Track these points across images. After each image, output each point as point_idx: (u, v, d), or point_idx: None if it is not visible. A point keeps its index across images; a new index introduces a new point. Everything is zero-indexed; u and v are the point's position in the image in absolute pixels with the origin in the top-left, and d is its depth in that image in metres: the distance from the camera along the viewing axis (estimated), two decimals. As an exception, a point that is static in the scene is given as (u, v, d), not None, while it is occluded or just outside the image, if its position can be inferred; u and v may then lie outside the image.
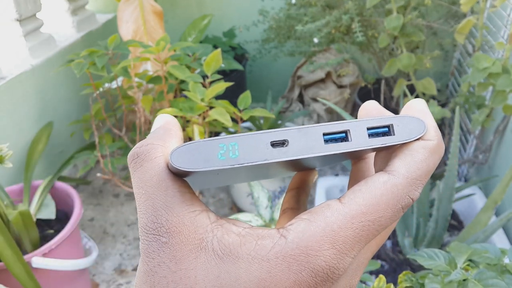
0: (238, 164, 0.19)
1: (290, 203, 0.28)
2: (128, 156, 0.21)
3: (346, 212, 0.19)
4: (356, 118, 0.23)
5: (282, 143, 0.20)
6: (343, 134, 0.20)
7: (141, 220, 0.20)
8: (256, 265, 0.18)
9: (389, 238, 1.14)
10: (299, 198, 0.28)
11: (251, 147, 0.19)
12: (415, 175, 0.20)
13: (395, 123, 0.21)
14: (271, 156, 0.19)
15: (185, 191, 0.20)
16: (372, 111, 0.22)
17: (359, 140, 0.20)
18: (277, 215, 0.88)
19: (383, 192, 0.19)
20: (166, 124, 0.23)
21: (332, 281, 0.18)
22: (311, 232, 0.18)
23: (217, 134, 1.50)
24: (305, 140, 0.20)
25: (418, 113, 0.21)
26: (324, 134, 0.20)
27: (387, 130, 0.21)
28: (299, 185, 0.29)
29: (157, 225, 0.19)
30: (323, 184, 1.25)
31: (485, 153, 1.19)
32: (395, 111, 1.37)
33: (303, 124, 1.63)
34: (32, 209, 1.06)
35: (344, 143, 0.20)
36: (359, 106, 1.48)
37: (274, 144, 0.19)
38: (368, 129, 0.21)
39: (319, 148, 0.20)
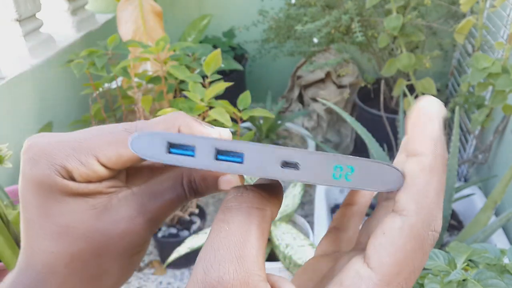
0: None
1: (337, 221, 0.25)
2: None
3: (380, 280, 0.17)
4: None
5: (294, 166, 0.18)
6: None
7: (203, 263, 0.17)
8: None
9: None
10: (346, 218, 0.25)
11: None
12: (426, 203, 0.17)
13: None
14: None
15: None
16: None
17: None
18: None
19: (405, 240, 0.17)
20: None
21: None
22: None
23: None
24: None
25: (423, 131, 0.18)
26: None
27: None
28: (349, 202, 0.26)
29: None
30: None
31: (485, 153, 1.19)
32: (395, 111, 1.37)
33: (303, 124, 1.63)
34: (32, 209, 1.06)
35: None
36: (359, 106, 1.48)
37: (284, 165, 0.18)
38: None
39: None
